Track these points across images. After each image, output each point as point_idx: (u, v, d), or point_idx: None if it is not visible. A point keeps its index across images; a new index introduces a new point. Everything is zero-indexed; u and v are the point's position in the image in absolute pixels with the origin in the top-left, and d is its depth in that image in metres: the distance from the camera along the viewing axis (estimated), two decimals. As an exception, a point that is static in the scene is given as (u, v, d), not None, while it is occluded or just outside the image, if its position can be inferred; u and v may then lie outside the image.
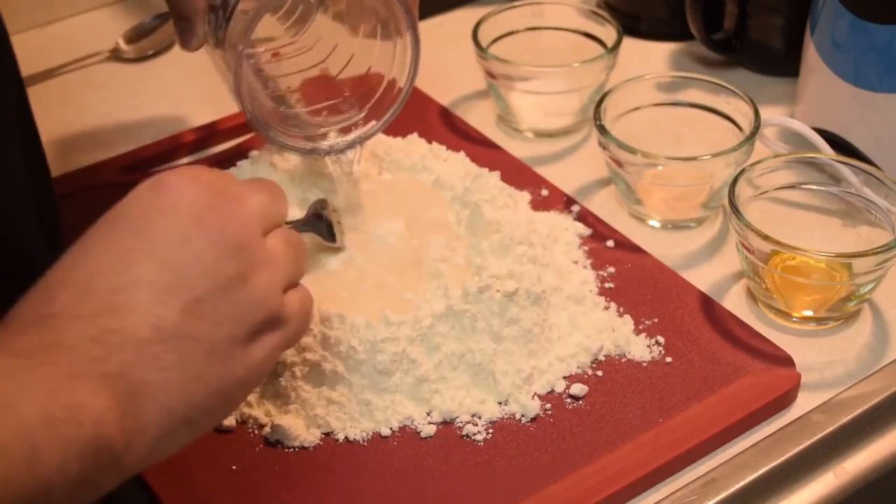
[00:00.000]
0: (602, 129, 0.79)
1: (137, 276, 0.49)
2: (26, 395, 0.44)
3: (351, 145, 0.75)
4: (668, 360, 0.70)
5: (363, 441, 0.66)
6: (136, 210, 0.52)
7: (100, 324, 0.48)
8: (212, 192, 0.52)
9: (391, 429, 0.66)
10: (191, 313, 0.50)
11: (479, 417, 0.67)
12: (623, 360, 0.70)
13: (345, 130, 0.75)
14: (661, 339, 0.71)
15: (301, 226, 0.69)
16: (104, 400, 0.46)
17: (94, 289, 0.49)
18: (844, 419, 0.67)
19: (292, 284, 0.56)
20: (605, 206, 0.83)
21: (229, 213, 0.52)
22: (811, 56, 0.86)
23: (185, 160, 0.88)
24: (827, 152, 0.80)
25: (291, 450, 0.65)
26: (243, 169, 0.81)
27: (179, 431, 0.50)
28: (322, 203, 0.71)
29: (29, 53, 1.02)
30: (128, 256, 0.50)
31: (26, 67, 0.98)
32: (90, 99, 0.97)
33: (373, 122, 0.75)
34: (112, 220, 0.52)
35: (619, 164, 0.79)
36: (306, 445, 0.65)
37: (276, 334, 0.54)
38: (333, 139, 0.75)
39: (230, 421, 0.66)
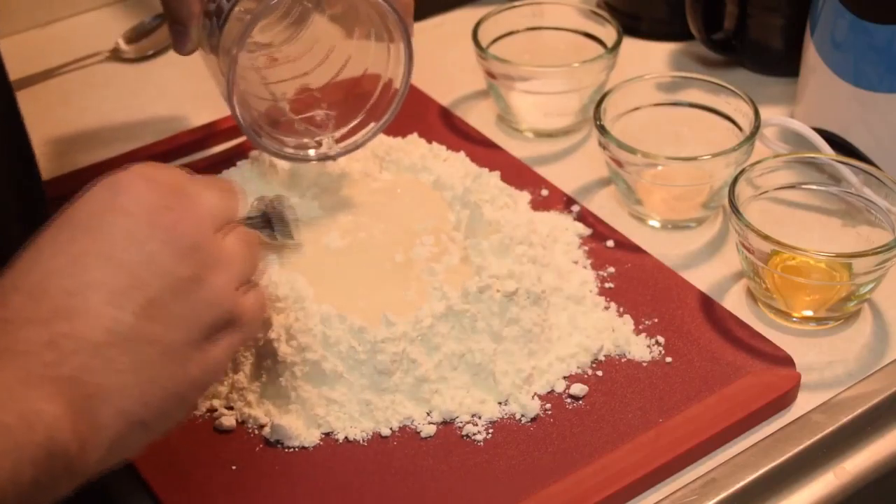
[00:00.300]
0: (602, 129, 0.79)
1: (91, 279, 0.49)
2: None
3: (344, 152, 0.75)
4: (668, 360, 0.70)
5: (363, 441, 0.66)
6: (88, 212, 0.51)
7: (53, 328, 0.47)
8: (165, 192, 0.52)
9: (391, 429, 0.66)
10: (145, 315, 0.50)
11: (479, 417, 0.67)
12: (623, 360, 0.70)
13: (339, 137, 0.75)
14: (661, 339, 0.71)
15: (246, 221, 0.67)
16: (57, 405, 0.46)
17: (46, 291, 0.48)
18: (844, 419, 0.67)
19: (247, 282, 0.56)
20: (605, 206, 0.83)
21: (182, 213, 0.52)
22: (811, 56, 0.86)
23: (185, 160, 0.88)
24: (827, 152, 0.80)
25: (291, 450, 0.65)
26: (243, 169, 0.81)
27: (134, 434, 0.50)
28: (276, 200, 0.69)
29: (29, 53, 1.02)
30: (81, 258, 0.49)
31: (26, 67, 0.99)
32: (90, 99, 0.97)
33: (368, 127, 0.75)
34: (64, 221, 0.51)
35: (619, 164, 0.79)
36: (306, 445, 0.65)
37: (230, 334, 0.54)
38: (327, 146, 0.75)
39: (230, 421, 0.66)
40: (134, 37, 1.03)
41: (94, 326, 0.48)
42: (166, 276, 0.51)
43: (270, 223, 0.68)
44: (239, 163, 0.82)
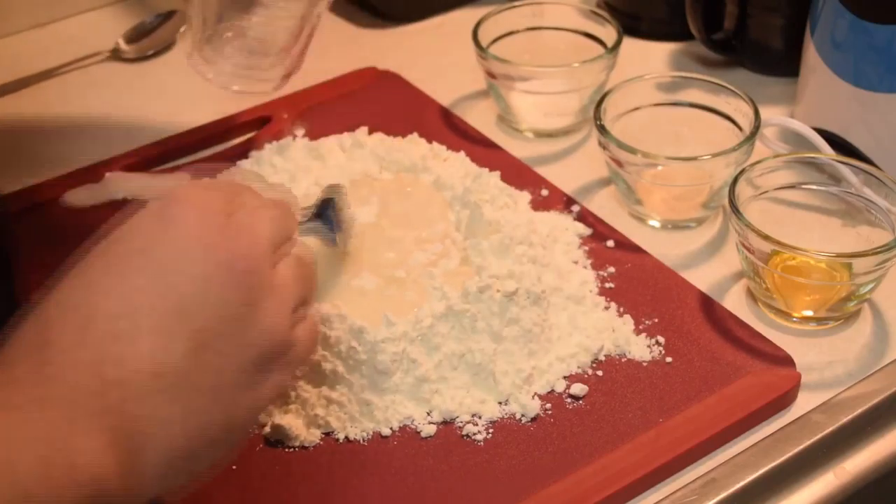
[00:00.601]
0: (602, 129, 0.79)
1: (140, 303, 0.47)
2: (21, 438, 0.43)
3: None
4: (668, 360, 0.70)
5: (363, 441, 0.66)
6: (140, 238, 0.50)
7: (99, 357, 0.46)
8: (219, 218, 0.50)
9: (391, 429, 0.66)
10: (195, 348, 0.48)
11: (480, 417, 0.67)
12: (623, 359, 0.70)
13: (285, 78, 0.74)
14: (661, 339, 0.71)
15: (303, 223, 0.65)
16: (102, 443, 0.45)
17: (94, 316, 0.47)
18: (844, 419, 0.67)
19: (302, 306, 0.55)
20: (605, 206, 0.83)
21: (237, 239, 0.50)
22: (811, 56, 0.86)
23: (185, 160, 0.88)
24: (827, 152, 0.80)
25: (291, 450, 0.65)
26: (243, 169, 0.81)
27: (182, 468, 0.49)
28: (333, 191, 0.66)
29: (29, 53, 1.02)
30: (130, 280, 0.48)
31: (26, 67, 0.99)
32: (90, 99, 0.97)
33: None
34: (113, 244, 0.50)
35: (619, 164, 0.79)
36: (306, 445, 0.65)
37: (283, 365, 0.52)
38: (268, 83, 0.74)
39: (230, 421, 0.66)
40: (134, 37, 1.03)
41: (140, 370, 0.46)
42: (219, 304, 0.49)
43: (316, 228, 0.65)
44: (239, 162, 0.83)
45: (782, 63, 0.95)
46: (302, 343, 0.54)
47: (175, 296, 0.48)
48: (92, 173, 0.86)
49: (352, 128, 0.85)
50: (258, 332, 0.50)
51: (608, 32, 0.90)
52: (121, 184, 0.58)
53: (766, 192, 0.76)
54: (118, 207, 0.53)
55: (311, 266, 0.56)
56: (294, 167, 0.80)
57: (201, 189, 0.52)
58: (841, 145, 0.83)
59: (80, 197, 0.58)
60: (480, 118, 0.93)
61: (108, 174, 0.60)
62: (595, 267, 0.77)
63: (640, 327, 0.72)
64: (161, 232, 0.49)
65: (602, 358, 0.70)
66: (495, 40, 0.91)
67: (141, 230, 0.50)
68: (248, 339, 0.50)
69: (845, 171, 0.76)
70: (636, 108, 0.83)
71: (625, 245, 0.79)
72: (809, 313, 0.73)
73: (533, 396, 0.68)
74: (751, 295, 0.75)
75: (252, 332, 0.50)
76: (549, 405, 0.68)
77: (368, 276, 0.70)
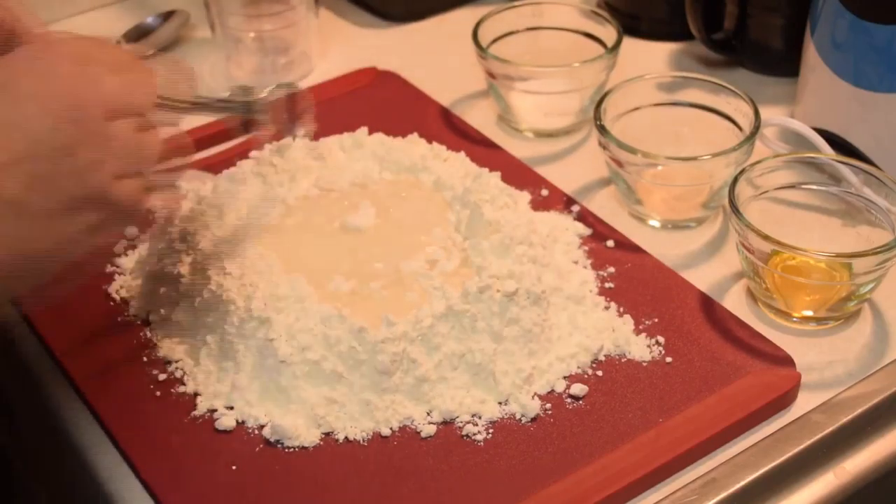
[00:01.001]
0: (602, 129, 0.79)
1: None
2: None
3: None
4: (668, 360, 0.70)
5: (363, 441, 0.66)
6: (4, 72, 0.54)
7: None
8: (75, 67, 0.55)
9: (391, 429, 0.66)
10: (4, 170, 0.52)
11: (479, 417, 0.67)
12: (623, 360, 0.70)
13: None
14: (661, 339, 0.71)
15: (217, 101, 0.69)
16: None
17: None
18: (844, 419, 0.67)
19: (132, 173, 0.57)
20: (605, 206, 0.83)
21: (77, 87, 0.54)
22: (811, 56, 0.86)
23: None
24: (827, 152, 0.80)
25: (291, 450, 0.65)
26: (244, 169, 0.81)
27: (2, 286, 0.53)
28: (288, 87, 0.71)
29: (29, 53, 1.02)
30: None
31: (26, 67, 0.99)
32: (90, 99, 0.96)
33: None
34: None
35: (619, 164, 0.79)
36: (306, 445, 0.65)
37: (97, 215, 0.56)
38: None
39: (230, 421, 0.66)
40: (134, 37, 1.03)
41: None
42: (39, 140, 0.53)
43: (235, 107, 0.69)
44: (239, 163, 0.83)
45: (782, 63, 0.95)
46: (124, 203, 0.57)
47: (20, 131, 0.53)
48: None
49: (352, 128, 0.85)
50: (68, 177, 0.54)
51: (608, 32, 0.90)
52: None
53: (766, 192, 0.76)
54: None
55: (152, 139, 0.59)
56: (294, 167, 0.80)
57: (73, 39, 0.57)
58: (841, 145, 0.83)
59: None
60: (480, 118, 0.93)
61: None
62: (595, 267, 0.77)
63: (640, 327, 0.72)
64: (23, 72, 0.54)
65: (602, 358, 0.70)
66: (495, 40, 0.91)
67: (7, 65, 0.55)
68: (58, 180, 0.54)
69: (845, 171, 0.76)
70: (636, 108, 0.83)
71: (625, 245, 0.79)
72: (809, 313, 0.73)
73: (533, 396, 0.68)
74: (751, 295, 0.75)
75: (62, 176, 0.54)
76: (549, 405, 0.68)
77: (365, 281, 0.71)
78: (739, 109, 0.81)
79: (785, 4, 0.93)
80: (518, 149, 0.89)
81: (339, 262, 0.73)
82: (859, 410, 0.68)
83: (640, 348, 0.71)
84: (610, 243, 0.79)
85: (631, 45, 0.96)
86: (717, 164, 0.77)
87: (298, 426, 0.65)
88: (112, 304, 0.75)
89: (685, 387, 0.68)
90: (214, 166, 0.85)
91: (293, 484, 0.63)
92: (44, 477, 0.86)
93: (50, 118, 0.53)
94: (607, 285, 0.75)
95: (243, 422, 0.67)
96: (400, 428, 0.66)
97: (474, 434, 0.66)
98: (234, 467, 0.64)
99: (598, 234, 0.80)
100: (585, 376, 0.69)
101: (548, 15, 0.94)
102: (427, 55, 1.02)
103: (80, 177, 0.54)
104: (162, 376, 0.69)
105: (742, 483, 0.64)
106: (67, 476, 0.73)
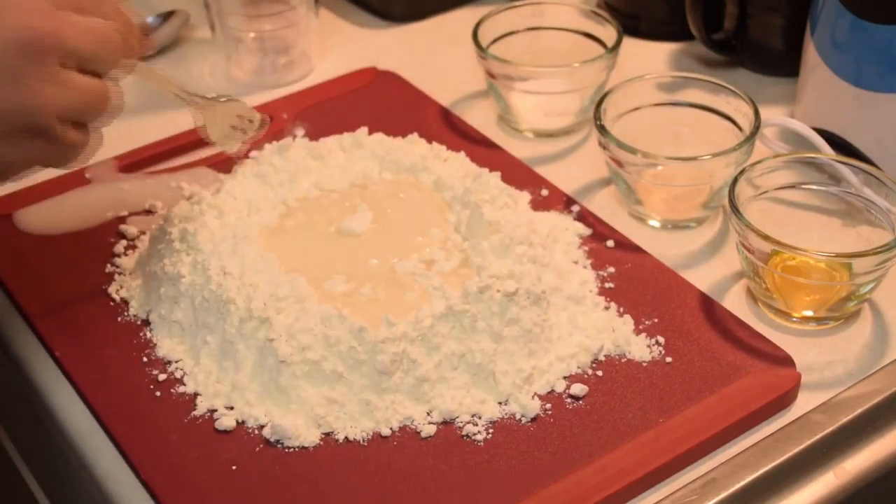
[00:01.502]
0: (602, 129, 0.79)
1: None
2: None
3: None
4: (668, 360, 0.70)
5: (363, 441, 0.66)
6: None
7: None
8: (50, 7, 0.58)
9: (391, 429, 0.66)
10: None
11: (479, 417, 0.67)
12: (623, 360, 0.70)
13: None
14: (661, 339, 0.71)
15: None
16: None
17: None
18: (844, 419, 0.67)
19: (79, 119, 0.61)
20: (605, 206, 0.83)
21: (42, 29, 0.57)
22: (811, 56, 0.86)
23: (185, 160, 0.88)
24: (827, 152, 0.80)
25: (291, 450, 0.65)
26: (244, 170, 0.81)
27: None
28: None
29: (29, 53, 1.02)
30: None
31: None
32: (90, 99, 0.96)
33: None
34: None
35: (619, 164, 0.79)
36: (306, 445, 0.65)
37: (36, 146, 0.59)
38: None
39: (230, 421, 0.66)
40: (134, 37, 1.03)
41: None
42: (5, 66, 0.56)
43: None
44: (239, 163, 0.82)
45: (782, 63, 0.95)
46: (66, 145, 0.60)
47: None
48: (90, 173, 0.86)
49: (352, 128, 0.85)
50: (13, 106, 0.57)
51: (608, 32, 0.90)
52: None
53: (766, 192, 0.76)
54: None
55: (100, 93, 0.61)
56: (294, 167, 0.80)
57: None
58: (841, 145, 0.83)
59: None
60: (480, 118, 0.93)
61: None
62: (595, 267, 0.77)
63: (640, 327, 0.72)
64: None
65: (602, 358, 0.70)
66: (495, 40, 0.91)
67: None
68: (7, 108, 0.57)
69: (845, 171, 0.76)
70: (636, 108, 0.83)
71: (625, 245, 0.79)
72: (809, 313, 0.73)
73: (533, 396, 0.68)
74: (751, 295, 0.75)
75: (6, 103, 0.57)
76: (548, 405, 0.68)
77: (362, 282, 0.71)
78: (739, 109, 0.81)
79: (785, 4, 0.93)
80: (518, 149, 0.89)
81: (339, 262, 0.73)
82: (859, 410, 0.68)
83: (640, 348, 0.71)
84: (610, 243, 0.79)
85: (631, 45, 0.96)
86: (717, 164, 0.77)
87: (298, 426, 0.65)
88: (112, 304, 0.75)
89: (685, 387, 0.68)
90: (214, 166, 0.85)
91: (293, 484, 0.63)
92: (44, 477, 0.86)
93: (8, 44, 0.56)
94: (607, 285, 0.75)
95: (243, 422, 0.67)
96: (400, 428, 0.66)
97: (474, 434, 0.66)
98: (234, 467, 0.64)
99: (598, 234, 0.80)
100: (585, 376, 0.69)
101: (548, 15, 0.94)
102: (427, 55, 1.02)
103: (24, 107, 0.57)
104: (162, 376, 0.69)
105: (742, 483, 0.64)
106: (67, 476, 0.73)
